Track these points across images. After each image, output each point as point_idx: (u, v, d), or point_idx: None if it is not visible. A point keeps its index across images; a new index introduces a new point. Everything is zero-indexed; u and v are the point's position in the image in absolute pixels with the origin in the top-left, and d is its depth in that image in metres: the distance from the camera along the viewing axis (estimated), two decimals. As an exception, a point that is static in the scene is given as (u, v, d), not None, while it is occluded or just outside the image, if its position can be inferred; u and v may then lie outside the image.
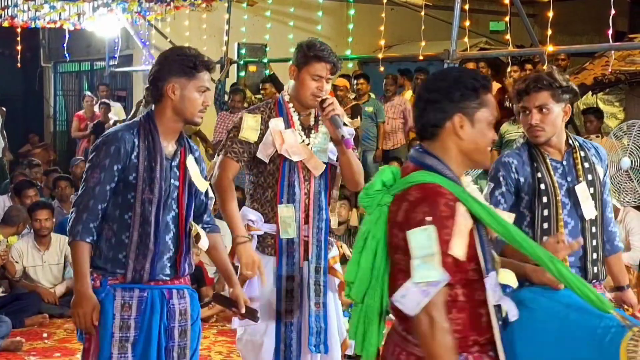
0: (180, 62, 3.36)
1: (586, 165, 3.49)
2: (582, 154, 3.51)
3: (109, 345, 3.32)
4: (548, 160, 3.46)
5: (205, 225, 3.63)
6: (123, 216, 3.34)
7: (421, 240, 2.35)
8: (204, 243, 3.51)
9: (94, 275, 3.36)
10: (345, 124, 3.72)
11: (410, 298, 2.35)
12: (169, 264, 3.40)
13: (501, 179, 3.46)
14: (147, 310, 3.36)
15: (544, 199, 3.41)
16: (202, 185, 3.51)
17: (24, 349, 6.23)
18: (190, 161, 3.46)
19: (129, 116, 11.89)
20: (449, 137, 2.51)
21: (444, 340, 2.34)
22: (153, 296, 3.37)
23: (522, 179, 3.45)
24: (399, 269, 2.44)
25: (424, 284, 2.33)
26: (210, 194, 3.64)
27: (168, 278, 3.41)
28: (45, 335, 6.66)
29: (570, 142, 3.52)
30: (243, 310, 3.56)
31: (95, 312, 3.29)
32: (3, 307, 6.79)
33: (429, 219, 2.36)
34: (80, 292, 3.29)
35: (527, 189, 3.44)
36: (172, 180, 3.40)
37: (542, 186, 3.41)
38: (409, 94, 10.89)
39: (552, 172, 3.44)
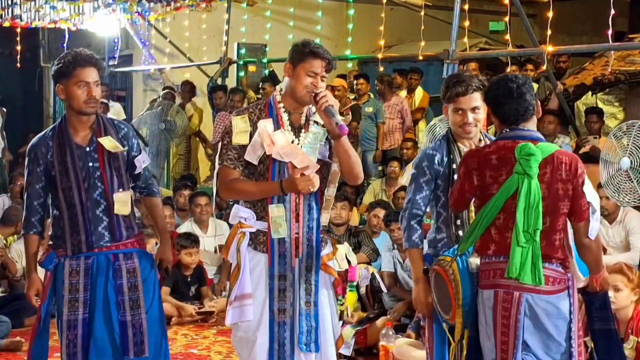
0: (58, 67, 3.98)
1: None
2: None
3: (61, 304, 4.05)
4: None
5: (142, 190, 4.31)
6: (58, 203, 4.06)
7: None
8: (118, 208, 4.03)
9: (45, 250, 4.15)
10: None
11: None
12: (106, 232, 4.04)
13: (425, 169, 3.88)
14: (93, 273, 4.04)
15: None
16: (118, 149, 4.03)
17: (24, 349, 6.22)
18: (104, 139, 4.01)
19: (144, 110, 11.94)
20: None
21: None
22: (99, 261, 4.05)
23: (441, 170, 3.88)
24: None
25: None
26: (143, 161, 4.18)
27: (110, 244, 4.05)
28: (44, 335, 6.65)
29: (481, 137, 3.94)
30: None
31: (37, 291, 4.10)
32: (3, 307, 6.77)
33: None
34: (27, 275, 4.17)
35: (444, 178, 3.88)
36: (91, 164, 4.02)
37: (456, 176, 3.80)
38: (403, 93, 10.82)
39: None
